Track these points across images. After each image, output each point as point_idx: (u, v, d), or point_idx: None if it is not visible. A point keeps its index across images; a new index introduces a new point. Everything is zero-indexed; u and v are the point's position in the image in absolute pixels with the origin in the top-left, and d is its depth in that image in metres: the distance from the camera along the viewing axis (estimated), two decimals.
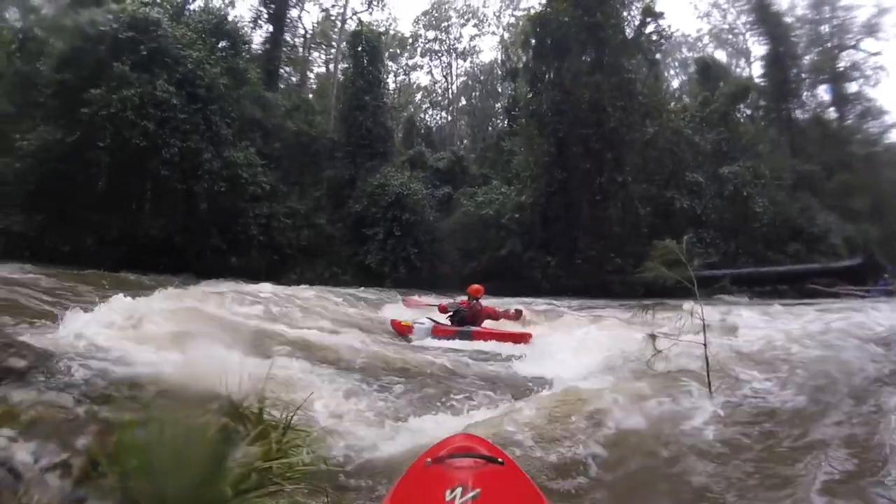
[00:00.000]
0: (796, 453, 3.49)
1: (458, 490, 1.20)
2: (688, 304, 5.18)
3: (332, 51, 43.68)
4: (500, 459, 1.45)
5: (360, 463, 2.88)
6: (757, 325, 8.60)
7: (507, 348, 7.83)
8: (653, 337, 5.15)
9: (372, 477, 2.73)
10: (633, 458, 3.40)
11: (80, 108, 21.72)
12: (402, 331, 9.23)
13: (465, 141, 48.20)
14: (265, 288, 10.93)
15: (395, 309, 12.33)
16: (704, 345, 4.71)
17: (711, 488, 3.04)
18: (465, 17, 50.79)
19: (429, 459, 1.50)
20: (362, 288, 19.42)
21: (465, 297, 9.86)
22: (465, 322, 9.13)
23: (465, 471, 1.38)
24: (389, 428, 3.66)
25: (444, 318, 9.56)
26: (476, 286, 9.91)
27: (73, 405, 2.49)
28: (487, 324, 9.36)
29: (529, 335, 8.41)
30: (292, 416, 2.37)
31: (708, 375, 4.66)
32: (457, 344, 8.07)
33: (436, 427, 3.68)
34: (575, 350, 6.77)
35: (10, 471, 1.86)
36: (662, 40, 29.49)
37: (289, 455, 2.18)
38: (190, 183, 23.83)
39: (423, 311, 11.24)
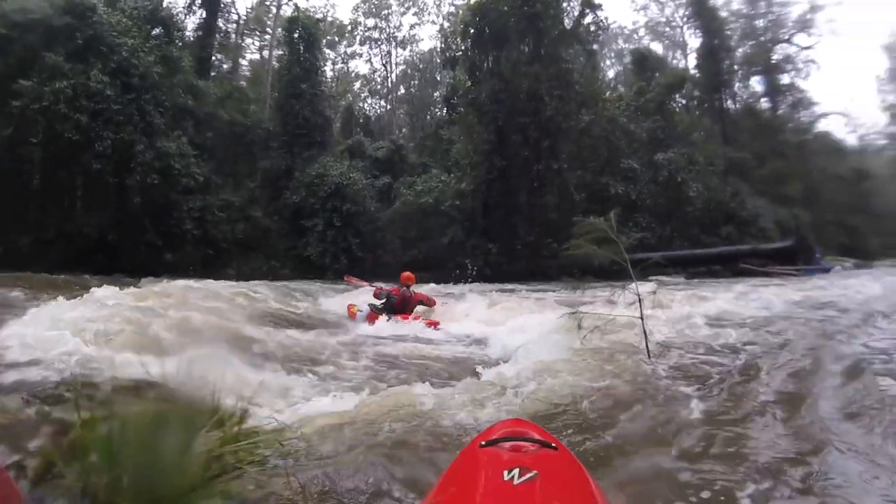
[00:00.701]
0: (727, 405, 3.75)
1: (516, 471, 1.20)
2: (623, 284, 5.42)
3: (267, 37, 42.86)
4: (553, 444, 1.45)
5: (315, 447, 2.84)
6: (690, 300, 9.01)
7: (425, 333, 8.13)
8: (576, 314, 5.37)
9: (327, 459, 2.69)
10: (580, 418, 3.48)
11: (9, 101, 20.71)
12: (351, 314, 9.75)
13: (403, 130, 48.07)
14: (207, 284, 10.70)
15: (337, 298, 12.38)
16: (641, 318, 4.95)
17: (648, 436, 3.15)
18: (405, 6, 50.70)
19: (482, 442, 1.48)
20: (319, 282, 19.20)
21: (396, 285, 10.04)
22: (393, 308, 9.38)
23: (521, 453, 1.38)
24: (342, 409, 3.65)
25: (379, 304, 9.77)
26: (407, 274, 10.08)
27: (21, 406, 2.38)
28: (419, 309, 9.68)
29: (437, 322, 8.71)
30: (246, 405, 2.34)
31: (647, 344, 4.98)
32: (386, 330, 8.27)
33: (383, 410, 3.68)
34: (515, 331, 6.86)
35: None
36: (600, 31, 30.07)
37: (246, 441, 2.16)
38: (123, 176, 23.05)
39: (362, 289, 11.52)
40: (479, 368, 4.94)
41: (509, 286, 16.57)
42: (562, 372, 4.49)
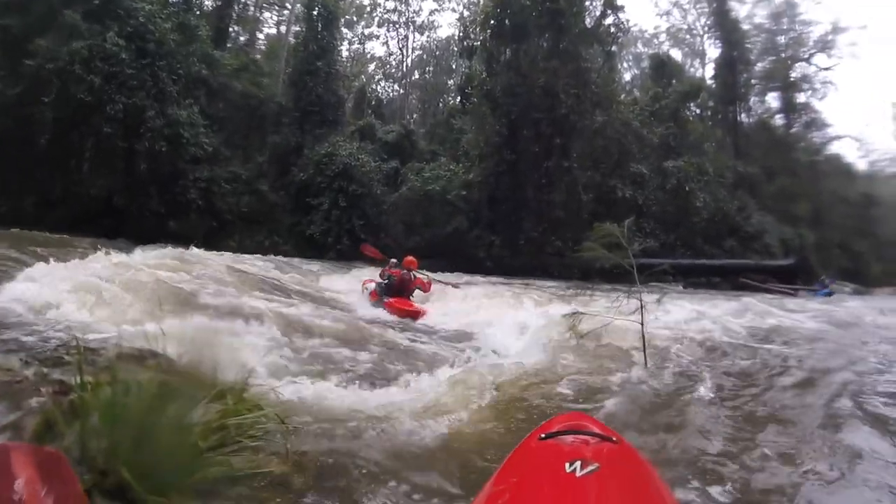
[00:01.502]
0: (712, 410, 3.82)
1: (578, 463, 1.17)
2: (625, 287, 5.43)
3: (286, 12, 42.63)
4: (613, 437, 1.43)
5: (315, 423, 2.85)
6: (688, 309, 9.00)
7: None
8: (575, 315, 5.37)
9: (326, 437, 2.70)
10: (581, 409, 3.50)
11: (23, 60, 20.75)
12: (363, 288, 10.64)
13: (415, 115, 47.95)
14: (210, 255, 10.72)
15: (335, 276, 12.60)
16: (641, 324, 4.94)
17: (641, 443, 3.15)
18: None
19: (542, 434, 1.46)
20: (331, 263, 19.20)
21: (398, 268, 10.33)
22: (391, 289, 9.73)
23: (581, 446, 1.36)
24: (340, 390, 3.69)
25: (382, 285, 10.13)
26: (410, 258, 10.43)
27: (20, 367, 2.38)
28: (418, 294, 10.09)
29: (423, 312, 8.92)
30: (246, 378, 2.35)
31: (644, 351, 4.98)
32: (383, 316, 8.59)
33: (380, 394, 3.71)
34: (517, 328, 6.84)
35: None
36: (620, 33, 29.81)
37: (245, 415, 2.18)
38: (132, 141, 23.09)
39: (376, 262, 12.17)
40: (468, 364, 4.92)
41: (515, 280, 16.60)
42: (553, 374, 4.51)
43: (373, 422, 3.03)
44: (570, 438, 1.41)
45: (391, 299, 9.33)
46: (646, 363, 4.90)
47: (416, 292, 10.08)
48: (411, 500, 2.19)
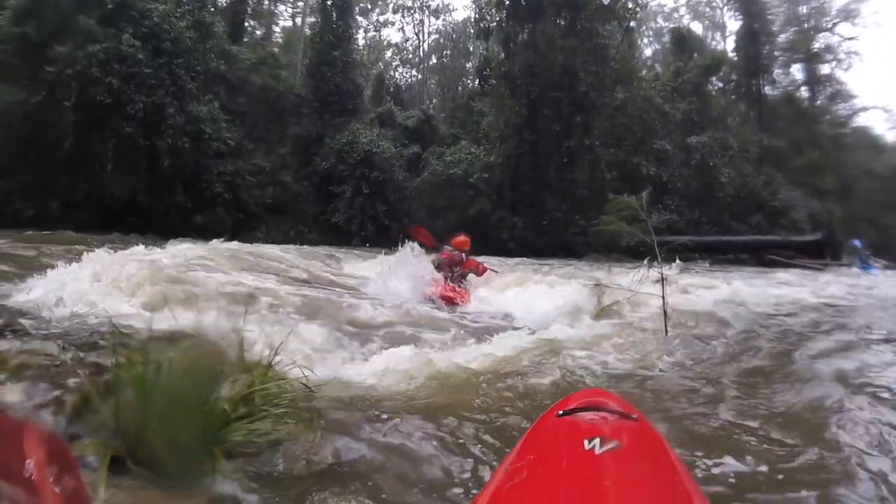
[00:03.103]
0: (731, 379, 3.80)
1: (597, 441, 1.15)
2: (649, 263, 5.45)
3: (300, 4, 42.67)
4: (633, 415, 1.40)
5: (339, 395, 2.93)
6: (710, 284, 8.95)
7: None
8: (599, 286, 5.41)
9: (351, 405, 2.79)
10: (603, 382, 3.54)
11: (43, 67, 21.09)
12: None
13: (434, 100, 47.78)
14: (236, 246, 10.79)
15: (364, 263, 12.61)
16: (663, 297, 4.96)
17: (659, 406, 3.18)
18: None
19: (560, 411, 1.44)
20: (344, 249, 19.24)
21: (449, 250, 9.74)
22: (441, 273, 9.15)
23: (601, 423, 1.33)
24: (362, 364, 3.80)
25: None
26: (460, 239, 9.35)
27: (58, 352, 2.49)
28: (471, 277, 9.35)
29: (453, 299, 8.20)
30: (273, 354, 2.43)
31: (665, 321, 5.05)
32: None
33: (402, 366, 3.78)
34: (537, 304, 6.86)
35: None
36: (638, 8, 29.40)
37: (272, 384, 2.28)
38: (154, 139, 23.46)
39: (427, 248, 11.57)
40: (488, 338, 4.97)
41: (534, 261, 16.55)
42: (573, 347, 4.55)
43: (393, 394, 3.11)
44: (588, 415, 1.39)
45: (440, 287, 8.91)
46: (666, 333, 4.97)
47: (470, 277, 9.25)
48: (430, 469, 2.25)
